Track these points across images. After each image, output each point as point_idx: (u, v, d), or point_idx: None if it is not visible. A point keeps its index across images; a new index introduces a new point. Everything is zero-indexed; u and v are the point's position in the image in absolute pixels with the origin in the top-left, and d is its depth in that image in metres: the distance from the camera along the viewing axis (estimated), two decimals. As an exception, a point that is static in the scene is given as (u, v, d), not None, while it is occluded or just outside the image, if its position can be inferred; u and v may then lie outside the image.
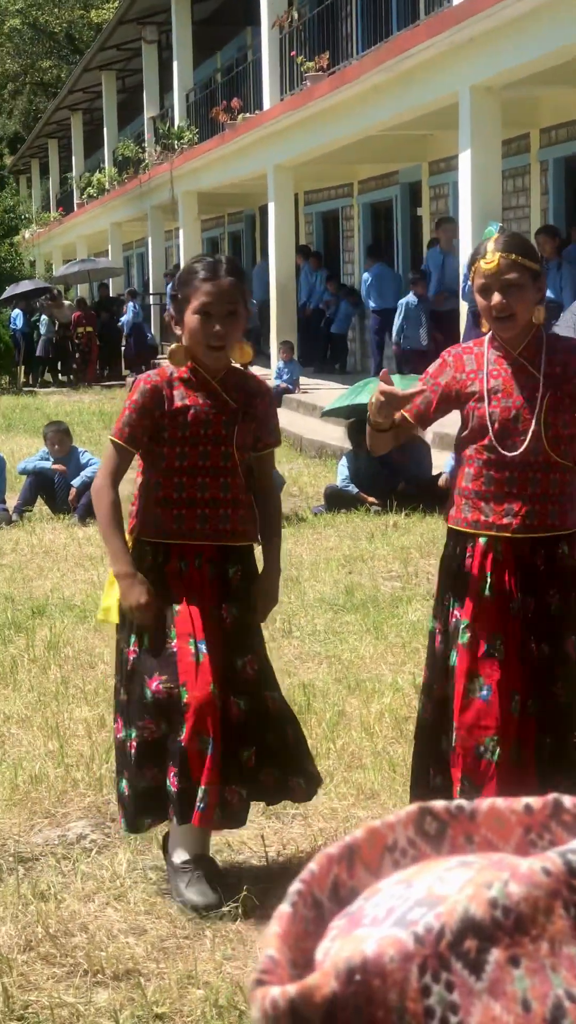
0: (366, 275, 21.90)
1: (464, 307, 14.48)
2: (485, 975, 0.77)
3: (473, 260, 4.36)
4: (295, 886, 0.83)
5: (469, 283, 4.50)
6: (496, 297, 4.26)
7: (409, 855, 0.85)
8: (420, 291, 18.40)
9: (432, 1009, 0.76)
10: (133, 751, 4.40)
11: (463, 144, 14.71)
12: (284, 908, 0.81)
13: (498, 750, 4.29)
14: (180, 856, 4.45)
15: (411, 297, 18.57)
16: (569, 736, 4.43)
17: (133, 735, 4.41)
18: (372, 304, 21.27)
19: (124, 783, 4.48)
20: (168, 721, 4.34)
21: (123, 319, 29.60)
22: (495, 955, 0.77)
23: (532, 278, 4.31)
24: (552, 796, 0.86)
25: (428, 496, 11.60)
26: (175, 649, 4.34)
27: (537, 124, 17.97)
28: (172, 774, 4.31)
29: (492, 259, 4.26)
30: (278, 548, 4.65)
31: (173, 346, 4.50)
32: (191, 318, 4.35)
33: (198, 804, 4.27)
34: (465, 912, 0.78)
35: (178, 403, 4.41)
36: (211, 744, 4.28)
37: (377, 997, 0.76)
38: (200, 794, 4.27)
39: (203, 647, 4.33)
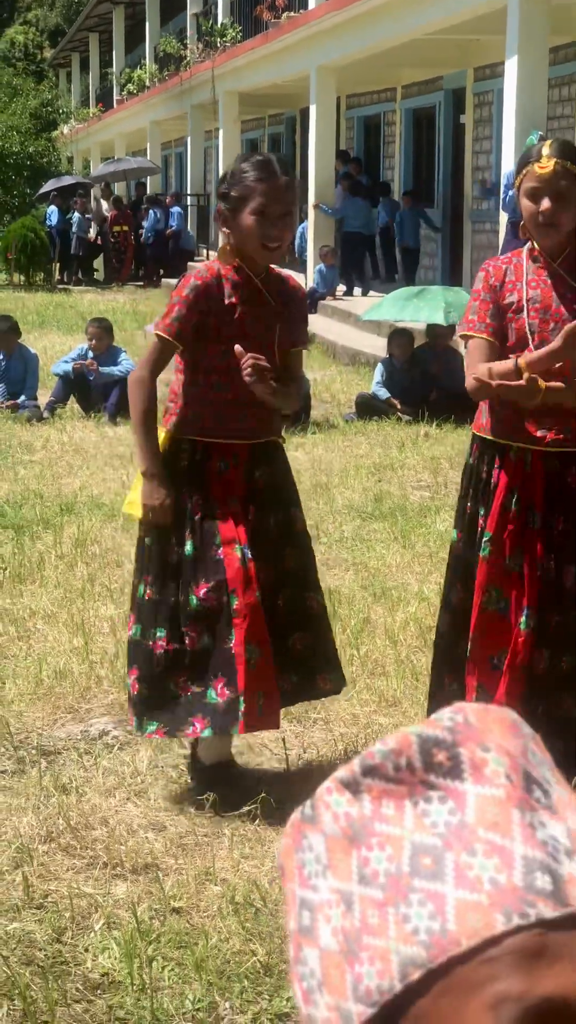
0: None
1: (503, 217, 14.29)
2: (465, 772, 0.79)
3: (523, 164, 4.25)
4: None
5: (512, 192, 4.41)
6: (546, 203, 4.17)
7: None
8: None
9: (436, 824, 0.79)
10: (160, 654, 4.41)
11: (510, 50, 14.46)
12: None
13: (507, 661, 4.33)
14: (209, 759, 4.53)
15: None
16: None
17: (159, 635, 4.42)
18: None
19: (134, 682, 4.49)
20: (211, 631, 4.35)
21: (170, 223, 29.05)
22: (464, 753, 0.80)
23: None
24: None
25: (460, 407, 11.55)
26: (221, 556, 4.33)
27: (586, 32, 17.64)
28: (221, 685, 4.30)
29: (547, 164, 4.16)
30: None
31: (222, 244, 4.47)
32: (247, 218, 4.29)
33: (241, 713, 4.28)
34: (419, 733, 0.81)
35: (226, 301, 4.37)
36: (260, 652, 4.31)
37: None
38: (242, 703, 4.28)
39: (248, 552, 4.33)
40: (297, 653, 4.52)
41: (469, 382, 4.23)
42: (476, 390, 4.19)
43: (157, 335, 4.39)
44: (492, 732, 0.82)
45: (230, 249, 4.39)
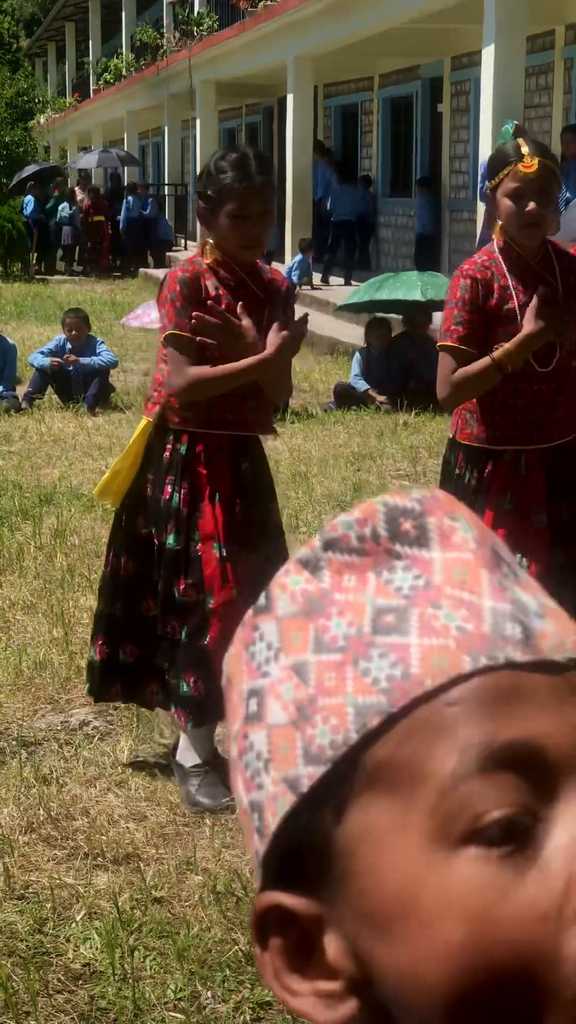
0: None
1: (481, 207, 14.29)
2: (432, 541, 0.75)
3: (502, 164, 4.17)
4: None
5: (487, 185, 4.37)
6: (532, 204, 4.12)
7: None
8: None
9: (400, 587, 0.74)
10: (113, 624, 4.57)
11: (487, 39, 14.47)
12: None
13: None
14: (191, 760, 4.49)
15: None
16: None
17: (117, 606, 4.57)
18: None
19: (95, 652, 4.65)
20: (187, 625, 4.36)
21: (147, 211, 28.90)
22: (432, 522, 0.75)
23: (558, 187, 4.25)
24: None
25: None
26: (200, 553, 4.34)
27: (563, 20, 17.64)
28: (192, 679, 4.32)
29: (532, 163, 4.10)
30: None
31: (203, 241, 4.47)
32: (224, 220, 4.27)
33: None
34: (384, 502, 0.76)
35: (212, 293, 4.36)
36: None
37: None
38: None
39: (225, 549, 4.33)
40: None
41: (446, 391, 4.26)
42: (452, 397, 4.23)
43: (174, 335, 4.30)
44: (461, 507, 0.77)
45: (210, 247, 4.38)
